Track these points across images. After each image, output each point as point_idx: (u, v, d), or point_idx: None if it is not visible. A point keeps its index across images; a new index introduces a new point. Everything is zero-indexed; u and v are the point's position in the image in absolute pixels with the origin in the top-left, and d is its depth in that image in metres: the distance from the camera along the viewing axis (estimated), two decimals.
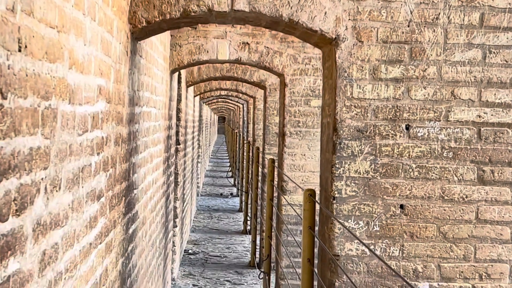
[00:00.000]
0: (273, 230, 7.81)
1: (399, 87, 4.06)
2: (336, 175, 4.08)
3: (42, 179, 2.19)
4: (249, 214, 14.59)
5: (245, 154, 17.85)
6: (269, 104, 10.75)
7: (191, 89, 12.74)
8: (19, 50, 1.90)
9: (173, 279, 9.69)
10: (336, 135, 4.08)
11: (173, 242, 9.62)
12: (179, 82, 9.64)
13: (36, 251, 2.15)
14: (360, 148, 4.07)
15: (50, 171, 2.28)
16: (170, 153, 8.01)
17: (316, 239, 4.43)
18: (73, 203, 2.67)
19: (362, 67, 4.06)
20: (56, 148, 2.36)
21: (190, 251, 12.11)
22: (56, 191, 2.39)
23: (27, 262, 2.04)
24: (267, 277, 7.49)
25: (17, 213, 1.93)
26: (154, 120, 5.97)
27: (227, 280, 10.08)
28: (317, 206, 4.63)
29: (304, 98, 7.36)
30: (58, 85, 2.36)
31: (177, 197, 9.76)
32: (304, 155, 7.33)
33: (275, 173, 7.80)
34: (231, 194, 21.47)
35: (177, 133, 9.65)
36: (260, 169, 11.34)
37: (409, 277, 4.06)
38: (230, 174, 28.08)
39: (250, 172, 14.23)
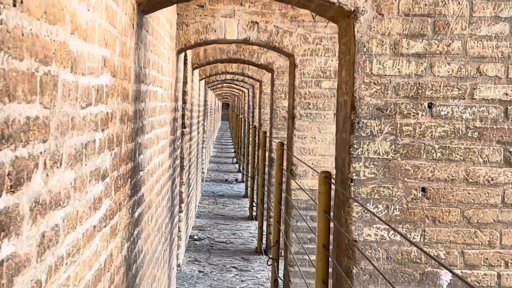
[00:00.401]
0: (281, 215, 7.59)
1: (422, 63, 3.83)
2: (354, 156, 3.85)
3: (41, 153, 1.97)
4: (255, 200, 14.39)
5: (250, 139, 17.63)
6: (276, 87, 10.51)
7: (196, 72, 12.52)
8: (14, 5, 1.67)
9: (178, 265, 9.50)
10: (354, 114, 3.85)
11: (179, 227, 9.42)
12: (185, 63, 9.41)
13: (34, 233, 1.93)
14: (379, 127, 3.84)
15: (50, 145, 2.06)
16: (176, 136, 7.79)
17: (331, 224, 4.21)
18: (75, 182, 2.45)
19: (382, 42, 3.83)
20: (56, 120, 2.13)
21: (195, 237, 11.91)
22: (57, 167, 2.17)
23: (24, 245, 1.82)
24: (275, 264, 7.28)
25: (12, 190, 1.71)
26: (160, 100, 5.75)
27: (234, 267, 9.88)
28: (332, 191, 4.41)
29: (314, 79, 7.12)
30: (58, 50, 2.13)
31: (182, 182, 9.55)
32: (315, 138, 7.10)
33: (284, 157, 7.58)
34: (236, 180, 21.28)
35: (182, 116, 9.43)
36: (267, 154, 11.12)
37: (431, 264, 3.84)
38: (235, 160, 27.87)
39: (256, 157, 14.02)
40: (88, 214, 2.71)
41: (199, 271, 9.53)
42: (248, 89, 21.07)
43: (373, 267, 3.82)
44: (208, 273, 9.48)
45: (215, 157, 30.24)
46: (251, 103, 20.55)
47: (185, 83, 9.41)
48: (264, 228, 11.25)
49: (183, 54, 8.52)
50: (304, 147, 7.16)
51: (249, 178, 15.58)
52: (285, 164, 7.86)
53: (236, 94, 33.00)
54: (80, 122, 2.49)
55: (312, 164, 7.15)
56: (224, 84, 23.02)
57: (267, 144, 10.93)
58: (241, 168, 23.07)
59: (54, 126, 2.10)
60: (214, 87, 24.17)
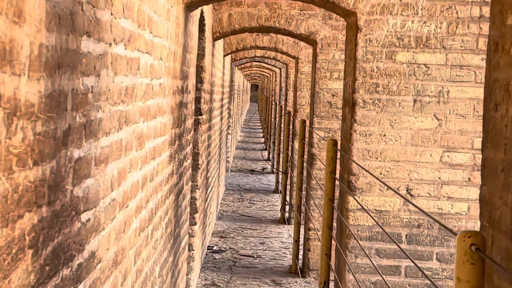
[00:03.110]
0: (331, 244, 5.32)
1: None
2: None
3: None
4: (287, 200, 12.14)
5: (283, 126, 15.32)
6: (320, 64, 8.22)
7: (219, 44, 10.24)
8: None
9: None
10: None
11: (190, 245, 7.21)
12: (202, 30, 7.14)
13: None
14: None
15: None
16: (184, 127, 5.54)
17: None
18: None
19: None
20: None
21: (215, 247, 9.69)
22: None
23: None
24: None
25: None
26: (148, 76, 3.50)
27: None
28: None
29: (386, 49, 4.83)
30: None
31: (197, 185, 7.31)
32: (384, 135, 4.83)
33: (337, 160, 5.31)
34: (263, 169, 19.05)
35: (198, 99, 7.18)
36: (306, 148, 8.85)
37: None
38: (263, 146, 25.63)
39: (290, 148, 11.76)
40: None
41: None
42: (280, 69, 18.74)
43: None
44: None
45: (242, 142, 28.03)
46: (283, 85, 18.25)
47: (201, 55, 7.15)
48: (301, 239, 8.95)
49: (197, 14, 6.25)
50: (368, 149, 4.88)
51: (282, 174, 13.33)
52: (337, 171, 5.60)
53: (266, 74, 30.69)
54: None
55: (380, 173, 4.87)
56: (253, 63, 20.72)
57: (306, 136, 8.66)
58: (270, 157, 20.81)
59: None
60: (242, 66, 21.86)
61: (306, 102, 11.40)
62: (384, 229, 4.12)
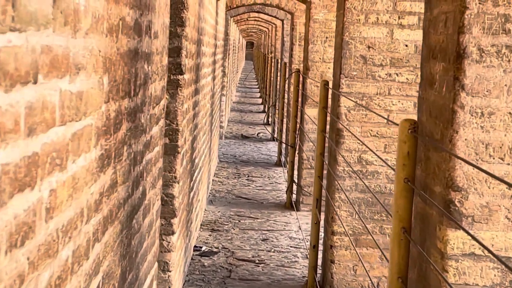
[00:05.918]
0: None
1: None
2: None
3: None
4: (295, 179, 9.84)
5: (288, 88, 12.96)
6: (351, 3, 5.86)
7: None
8: None
9: None
10: None
11: (166, 264, 4.92)
12: None
13: None
14: None
15: None
16: (144, 96, 3.21)
17: None
18: None
19: None
20: None
21: (203, 248, 7.40)
22: None
23: None
24: None
25: None
26: None
27: None
28: None
29: None
30: None
31: (175, 177, 4.98)
32: None
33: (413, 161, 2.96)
34: (258, 134, 16.86)
35: (176, 50, 4.82)
36: (328, 119, 6.50)
37: None
38: (263, 108, 23.29)
39: (300, 116, 9.43)
40: None
41: None
42: (282, 20, 16.28)
43: None
44: None
45: (238, 103, 25.69)
46: (286, 39, 15.82)
47: None
48: (320, 240, 6.60)
49: None
50: (487, 141, 2.56)
51: (285, 145, 10.99)
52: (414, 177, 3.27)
53: (264, 29, 28.18)
54: None
55: (507, 188, 2.55)
56: (251, 14, 18.26)
57: (329, 102, 6.31)
58: (270, 121, 18.47)
59: None
60: (239, 17, 19.39)
61: (320, 58, 9.07)
62: None
